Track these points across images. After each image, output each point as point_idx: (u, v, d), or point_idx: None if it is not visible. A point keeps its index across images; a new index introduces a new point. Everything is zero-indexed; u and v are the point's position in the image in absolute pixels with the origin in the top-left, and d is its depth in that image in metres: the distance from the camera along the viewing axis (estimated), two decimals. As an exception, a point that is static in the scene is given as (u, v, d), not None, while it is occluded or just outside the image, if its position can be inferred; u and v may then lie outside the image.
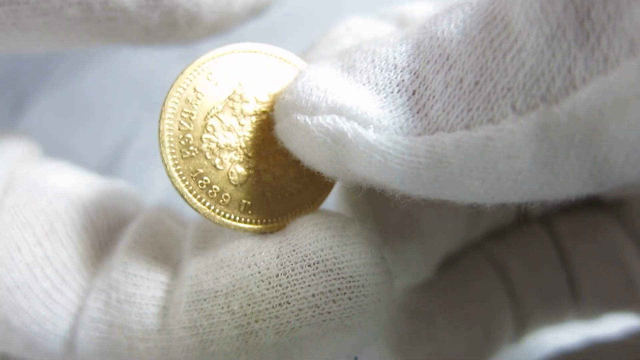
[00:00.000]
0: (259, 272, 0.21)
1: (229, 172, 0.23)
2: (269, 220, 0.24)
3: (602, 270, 0.31)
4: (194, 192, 0.23)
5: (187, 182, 0.23)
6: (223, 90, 0.23)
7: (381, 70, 0.20)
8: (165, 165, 0.22)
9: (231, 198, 0.23)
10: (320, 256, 0.21)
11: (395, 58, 0.20)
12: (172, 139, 0.22)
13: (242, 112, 0.23)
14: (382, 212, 0.28)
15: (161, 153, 0.22)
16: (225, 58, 0.23)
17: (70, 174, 0.28)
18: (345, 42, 0.26)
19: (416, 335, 0.30)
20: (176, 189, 0.23)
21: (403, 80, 0.19)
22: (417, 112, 0.18)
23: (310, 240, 0.21)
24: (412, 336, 0.30)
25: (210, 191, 0.23)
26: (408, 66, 0.19)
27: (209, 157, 0.23)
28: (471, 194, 0.18)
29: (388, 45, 0.20)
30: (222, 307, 0.22)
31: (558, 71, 0.15)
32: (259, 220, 0.24)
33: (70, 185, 0.27)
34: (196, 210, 0.23)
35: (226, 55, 0.23)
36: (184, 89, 0.23)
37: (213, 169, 0.23)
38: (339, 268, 0.20)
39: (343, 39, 0.27)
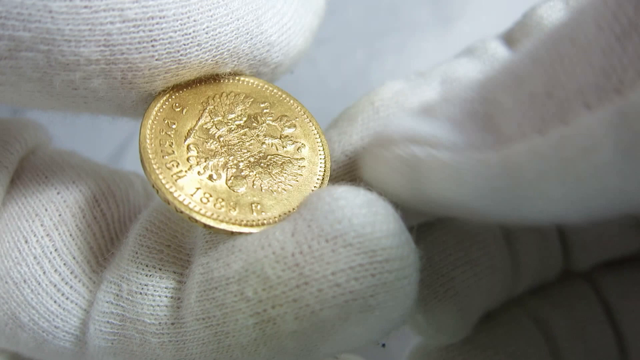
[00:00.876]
0: (273, 253, 0.20)
1: (228, 181, 0.23)
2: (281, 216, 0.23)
3: None
4: (196, 209, 0.22)
5: (190, 203, 0.22)
6: (191, 114, 0.24)
7: (454, 106, 0.20)
8: (160, 189, 0.22)
9: (240, 203, 0.22)
10: (338, 230, 0.19)
11: (468, 93, 0.20)
12: (158, 167, 0.22)
13: (215, 126, 0.24)
14: None
15: (153, 181, 0.22)
16: (181, 89, 0.24)
17: (80, 163, 0.27)
18: (389, 109, 0.26)
19: None
20: (182, 212, 0.22)
21: (476, 109, 0.19)
22: (490, 129, 0.18)
23: (327, 212, 0.19)
24: None
25: (216, 203, 0.22)
26: (480, 96, 0.19)
27: (202, 174, 0.22)
28: (551, 204, 0.17)
29: (465, 87, 0.20)
30: (236, 295, 0.20)
31: (630, 62, 0.15)
32: (273, 218, 0.22)
33: (80, 175, 0.26)
34: (219, 230, 0.22)
35: (179, 87, 0.24)
36: (155, 122, 0.23)
37: (209, 182, 0.22)
38: (359, 242, 0.19)
39: (387, 103, 0.27)
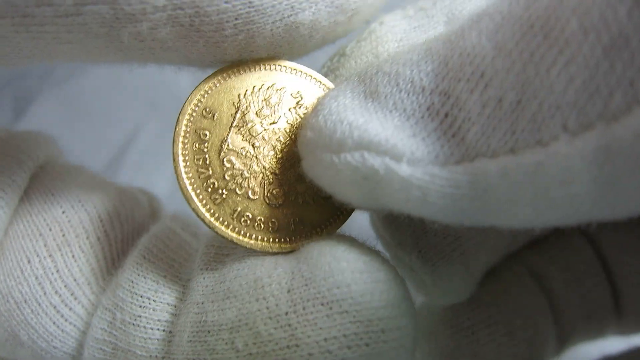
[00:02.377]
0: (267, 308, 0.19)
1: (266, 197, 0.22)
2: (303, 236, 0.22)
3: None
4: (238, 230, 0.22)
5: (231, 226, 0.22)
6: (223, 120, 0.22)
7: (408, 94, 0.18)
8: (203, 220, 0.22)
9: (278, 221, 0.22)
10: (335, 295, 0.18)
11: (422, 79, 0.18)
12: (198, 191, 0.22)
13: (250, 133, 0.22)
14: (421, 231, 0.26)
15: (194, 210, 0.22)
16: (212, 88, 0.22)
17: (88, 180, 0.27)
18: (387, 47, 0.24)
19: (459, 350, 0.28)
20: (224, 237, 0.22)
21: (433, 103, 0.17)
22: (453, 137, 0.17)
23: (326, 275, 0.19)
24: (455, 352, 0.28)
25: (256, 224, 0.22)
26: (437, 87, 0.18)
27: (239, 192, 0.22)
28: (521, 221, 0.17)
29: (412, 64, 0.19)
30: (227, 343, 0.20)
31: (618, 85, 0.14)
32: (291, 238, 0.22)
33: (87, 193, 0.26)
34: (248, 246, 0.22)
35: (209, 84, 0.22)
36: (187, 137, 0.22)
37: (248, 201, 0.22)
38: (356, 310, 0.18)
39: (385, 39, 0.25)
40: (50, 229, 0.24)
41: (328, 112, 0.20)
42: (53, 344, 0.24)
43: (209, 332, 0.20)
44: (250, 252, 0.22)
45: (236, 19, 0.20)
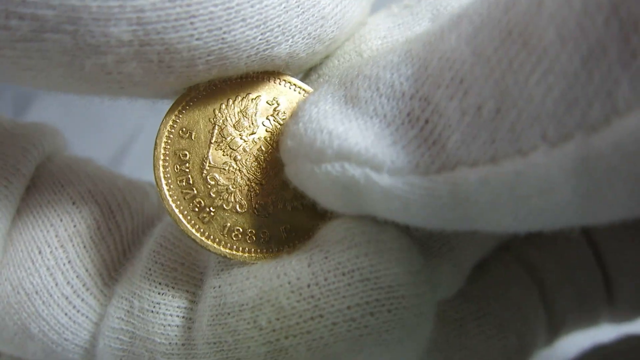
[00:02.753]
0: (289, 283, 0.19)
1: (254, 210, 0.22)
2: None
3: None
4: (230, 246, 0.22)
5: (222, 242, 0.22)
6: (201, 138, 0.22)
7: (388, 99, 0.18)
8: (195, 240, 0.22)
9: (269, 230, 0.22)
10: (356, 264, 0.19)
11: (402, 84, 0.18)
12: (185, 212, 0.22)
13: (230, 147, 0.22)
14: (408, 228, 0.26)
15: (184, 231, 0.22)
16: (185, 107, 0.22)
17: (96, 171, 0.27)
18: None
19: (447, 344, 0.28)
20: (217, 254, 0.22)
21: (413, 109, 0.17)
22: (433, 144, 0.17)
23: (344, 247, 0.19)
24: (443, 345, 0.28)
25: (248, 237, 0.22)
26: (417, 92, 0.17)
27: (227, 207, 0.22)
28: (503, 227, 0.17)
29: (392, 67, 0.18)
30: (249, 323, 0.20)
31: (596, 96, 0.13)
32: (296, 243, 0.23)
33: (96, 184, 0.26)
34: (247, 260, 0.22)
35: (183, 104, 0.22)
36: (167, 160, 0.22)
37: (237, 215, 0.22)
38: (376, 277, 0.19)
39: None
40: (61, 220, 0.24)
41: (308, 120, 0.20)
42: (64, 336, 0.24)
43: (229, 314, 0.21)
44: None
45: (208, 55, 0.19)
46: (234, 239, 0.22)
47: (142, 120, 0.54)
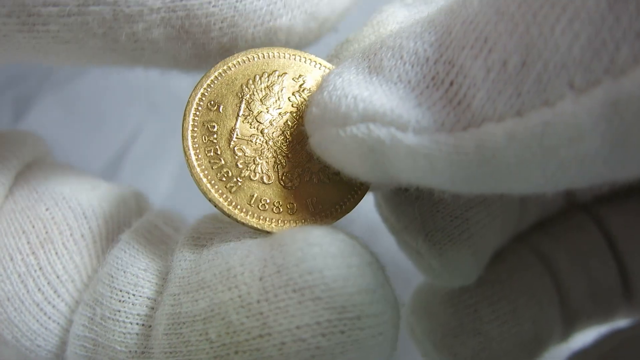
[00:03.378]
0: (239, 297, 0.18)
1: (281, 181, 0.22)
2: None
3: None
4: (257, 216, 0.22)
5: (250, 212, 0.22)
6: (229, 111, 0.23)
7: (412, 66, 0.18)
8: (222, 209, 0.22)
9: (296, 202, 0.22)
10: (308, 281, 0.18)
11: (425, 50, 0.18)
12: (213, 181, 0.22)
13: (257, 120, 0.23)
14: (428, 214, 0.26)
15: (211, 200, 0.22)
16: (214, 82, 0.23)
17: (73, 178, 0.27)
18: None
19: (461, 328, 0.28)
20: (244, 224, 0.22)
21: (438, 73, 0.17)
22: (459, 104, 0.16)
23: (298, 261, 0.18)
24: (457, 330, 0.28)
25: (274, 208, 0.22)
26: (441, 56, 0.17)
27: (254, 178, 0.22)
28: (531, 185, 0.16)
29: (415, 36, 0.19)
30: (200, 334, 0.19)
31: (624, 38, 0.13)
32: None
33: (71, 191, 0.26)
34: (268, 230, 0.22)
35: (211, 78, 0.23)
36: (195, 131, 0.22)
37: (264, 186, 0.22)
38: (329, 296, 0.17)
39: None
40: (33, 226, 0.24)
41: (333, 88, 0.20)
42: (37, 342, 0.23)
43: (184, 323, 0.20)
44: (225, 241, 0.22)
45: (222, 21, 0.21)
46: (260, 209, 0.22)
47: (142, 121, 0.54)
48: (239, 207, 0.22)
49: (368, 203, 0.27)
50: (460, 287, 0.29)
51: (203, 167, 0.22)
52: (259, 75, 0.23)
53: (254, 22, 0.22)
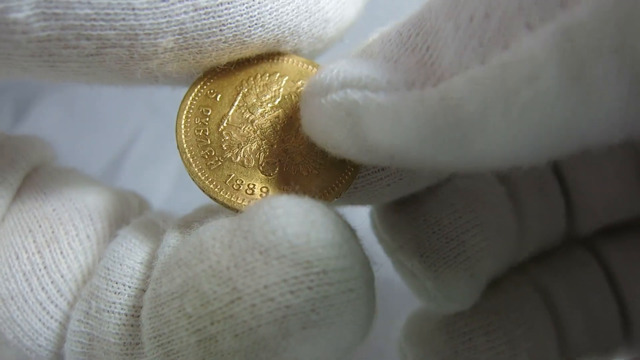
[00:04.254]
0: (210, 267, 0.18)
1: (260, 166, 0.23)
2: None
3: None
4: (229, 195, 0.23)
5: (223, 190, 0.23)
6: (225, 100, 0.24)
7: (396, 45, 0.19)
8: (198, 183, 0.23)
9: (271, 189, 0.23)
10: (272, 241, 0.18)
11: (409, 30, 0.19)
12: (196, 157, 0.23)
13: (250, 111, 0.24)
14: (423, 234, 0.26)
15: (190, 173, 0.23)
16: (217, 75, 0.24)
17: (80, 181, 0.27)
18: None
19: (455, 357, 0.28)
20: (215, 200, 0.23)
21: (417, 44, 0.18)
22: (431, 65, 0.17)
23: (262, 223, 0.18)
24: (451, 358, 0.27)
25: (247, 190, 0.23)
26: (422, 29, 0.18)
27: (234, 160, 0.23)
28: (496, 141, 0.16)
29: (400, 25, 0.20)
30: (179, 311, 0.19)
31: None
32: None
33: (78, 193, 0.26)
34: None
35: (216, 70, 0.24)
36: (190, 112, 0.24)
37: (242, 168, 0.23)
38: (293, 252, 0.17)
39: None
40: (39, 226, 0.24)
41: (323, 70, 0.21)
42: (38, 342, 0.23)
43: (163, 303, 0.20)
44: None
45: (230, 52, 0.23)
46: (234, 188, 0.22)
47: (142, 122, 0.54)
48: (214, 183, 0.22)
49: (364, 226, 0.27)
50: (455, 314, 0.28)
51: (189, 143, 0.23)
52: (260, 74, 0.25)
53: (259, 49, 0.24)
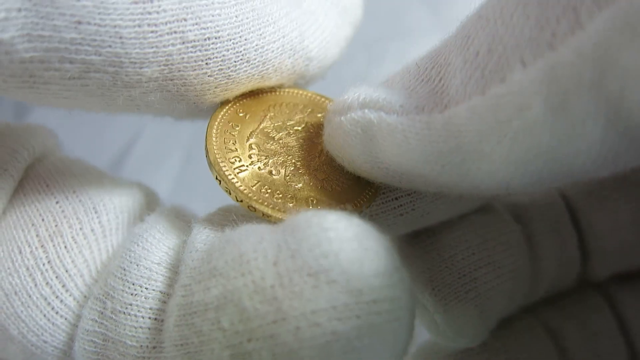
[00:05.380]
0: (253, 282, 0.18)
1: (286, 177, 0.24)
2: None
3: None
4: (251, 196, 0.23)
5: (246, 190, 0.23)
6: (253, 119, 0.25)
7: (413, 76, 0.21)
8: (222, 179, 0.23)
9: (296, 199, 0.23)
10: (323, 264, 0.17)
11: (426, 63, 0.21)
12: (224, 162, 0.24)
13: (276, 131, 0.25)
14: (436, 268, 0.26)
15: (217, 172, 0.23)
16: (247, 98, 0.26)
17: (84, 172, 0.27)
18: None
19: None
20: (237, 196, 0.23)
21: (431, 75, 0.20)
22: (441, 94, 0.19)
23: (313, 245, 0.18)
24: None
25: (274, 195, 0.23)
26: (437, 62, 0.20)
27: (262, 169, 0.24)
28: (493, 166, 0.17)
29: (419, 60, 0.21)
30: (213, 323, 0.19)
31: (563, 13, 0.15)
32: None
33: (82, 184, 0.26)
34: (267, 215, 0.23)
35: (247, 94, 0.26)
36: (220, 123, 0.25)
37: (269, 176, 0.24)
38: (345, 279, 0.17)
39: None
40: (42, 220, 0.24)
41: (349, 93, 0.22)
42: (43, 337, 0.23)
43: (195, 313, 0.19)
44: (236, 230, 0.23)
45: (216, 87, 0.23)
46: (259, 192, 0.23)
47: (142, 123, 0.55)
48: (238, 184, 0.23)
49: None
50: (464, 350, 0.28)
51: (219, 148, 0.24)
52: (286, 103, 0.26)
53: (245, 85, 0.24)
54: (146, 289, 0.22)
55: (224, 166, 0.23)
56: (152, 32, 0.20)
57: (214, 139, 0.24)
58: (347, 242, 0.17)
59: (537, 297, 0.29)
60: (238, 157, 0.24)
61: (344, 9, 0.28)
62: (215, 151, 0.24)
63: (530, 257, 0.28)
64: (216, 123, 0.24)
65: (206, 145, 0.24)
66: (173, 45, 0.21)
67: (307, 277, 0.17)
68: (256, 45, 0.23)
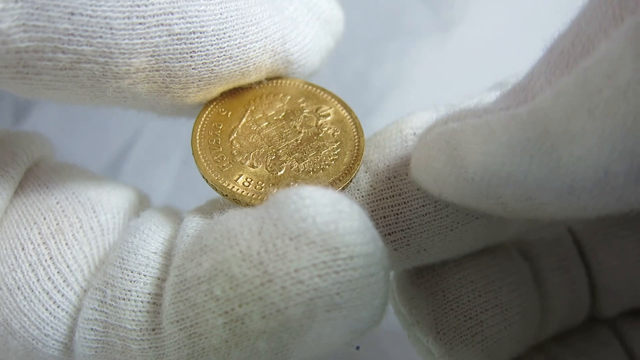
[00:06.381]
0: (240, 252, 0.20)
1: (267, 167, 0.25)
2: None
3: None
4: (236, 189, 0.25)
5: (231, 185, 0.25)
6: (235, 116, 0.27)
7: (505, 95, 0.21)
8: (207, 178, 0.25)
9: (278, 187, 0.25)
10: (302, 228, 0.19)
11: (515, 85, 0.21)
12: (209, 160, 0.25)
13: (257, 124, 0.27)
14: (441, 311, 0.26)
15: (201, 169, 0.25)
16: (228, 97, 0.27)
17: (81, 175, 0.28)
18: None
19: None
20: (222, 192, 0.25)
21: (517, 92, 0.20)
22: (525, 93, 0.19)
23: (292, 212, 0.20)
24: None
25: (257, 185, 0.25)
26: (522, 78, 0.20)
27: (244, 163, 0.26)
28: (586, 147, 0.16)
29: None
30: (206, 294, 0.20)
31: None
32: None
33: (80, 186, 0.27)
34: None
35: (227, 94, 0.27)
36: (204, 125, 0.26)
37: (251, 169, 0.25)
38: (322, 239, 0.19)
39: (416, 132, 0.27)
40: (44, 218, 0.25)
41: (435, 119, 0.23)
42: (45, 331, 0.24)
43: (189, 287, 0.21)
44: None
45: (199, 80, 0.24)
46: (245, 185, 0.25)
47: (141, 125, 0.55)
48: (222, 179, 0.25)
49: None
50: None
51: (204, 150, 0.26)
52: (266, 94, 0.28)
53: (227, 80, 0.25)
54: (144, 275, 0.23)
55: (208, 165, 0.25)
56: (140, 23, 0.21)
57: (197, 139, 0.26)
58: (322, 206, 0.19)
59: (546, 336, 0.29)
60: (222, 154, 0.25)
61: (325, 21, 0.29)
62: (199, 151, 0.25)
63: (539, 295, 0.28)
64: (200, 123, 0.26)
65: (191, 146, 0.26)
66: (160, 37, 0.22)
67: (289, 240, 0.19)
68: (239, 42, 0.24)
